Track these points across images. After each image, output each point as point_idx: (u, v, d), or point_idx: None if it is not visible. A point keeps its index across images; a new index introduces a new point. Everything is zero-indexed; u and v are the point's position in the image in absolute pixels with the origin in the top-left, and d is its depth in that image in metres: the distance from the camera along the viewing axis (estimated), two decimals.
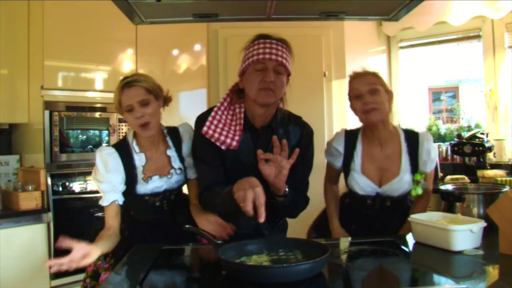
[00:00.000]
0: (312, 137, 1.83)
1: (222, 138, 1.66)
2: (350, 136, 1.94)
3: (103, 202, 1.74)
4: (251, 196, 1.40)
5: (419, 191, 1.84)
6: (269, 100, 1.63)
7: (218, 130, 1.67)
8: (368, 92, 1.79)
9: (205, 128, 1.67)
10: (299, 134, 1.77)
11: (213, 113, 1.69)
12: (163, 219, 1.86)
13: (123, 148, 1.79)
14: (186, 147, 1.85)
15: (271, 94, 1.61)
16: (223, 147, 1.68)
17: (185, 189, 1.94)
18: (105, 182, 1.73)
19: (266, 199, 1.42)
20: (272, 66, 1.59)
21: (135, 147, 1.80)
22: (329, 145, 1.99)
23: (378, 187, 1.86)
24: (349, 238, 1.86)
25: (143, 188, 1.78)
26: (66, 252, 1.40)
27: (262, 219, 1.38)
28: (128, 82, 1.72)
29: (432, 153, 1.87)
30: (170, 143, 1.85)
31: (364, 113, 1.81)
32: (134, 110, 1.71)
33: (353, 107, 1.87)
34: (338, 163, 1.96)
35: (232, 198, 1.47)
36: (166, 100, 1.85)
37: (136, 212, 1.88)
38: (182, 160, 1.85)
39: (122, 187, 1.77)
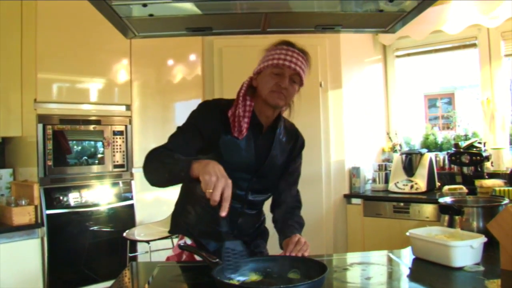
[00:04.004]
0: (304, 146, 1.88)
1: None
2: None
3: None
4: (222, 185, 1.30)
5: None
6: (280, 103, 1.65)
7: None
8: None
9: (233, 109, 1.64)
10: (295, 139, 1.83)
11: (241, 99, 1.65)
12: None
13: None
14: None
15: (282, 97, 1.64)
16: (235, 134, 1.65)
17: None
18: None
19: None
20: (289, 74, 1.62)
21: None
22: None
23: None
24: (347, 255, 1.83)
25: None
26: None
27: (224, 213, 1.29)
28: None
29: None
30: None
31: None
32: None
33: None
34: None
35: (188, 169, 1.37)
36: None
37: None
38: None
39: None
